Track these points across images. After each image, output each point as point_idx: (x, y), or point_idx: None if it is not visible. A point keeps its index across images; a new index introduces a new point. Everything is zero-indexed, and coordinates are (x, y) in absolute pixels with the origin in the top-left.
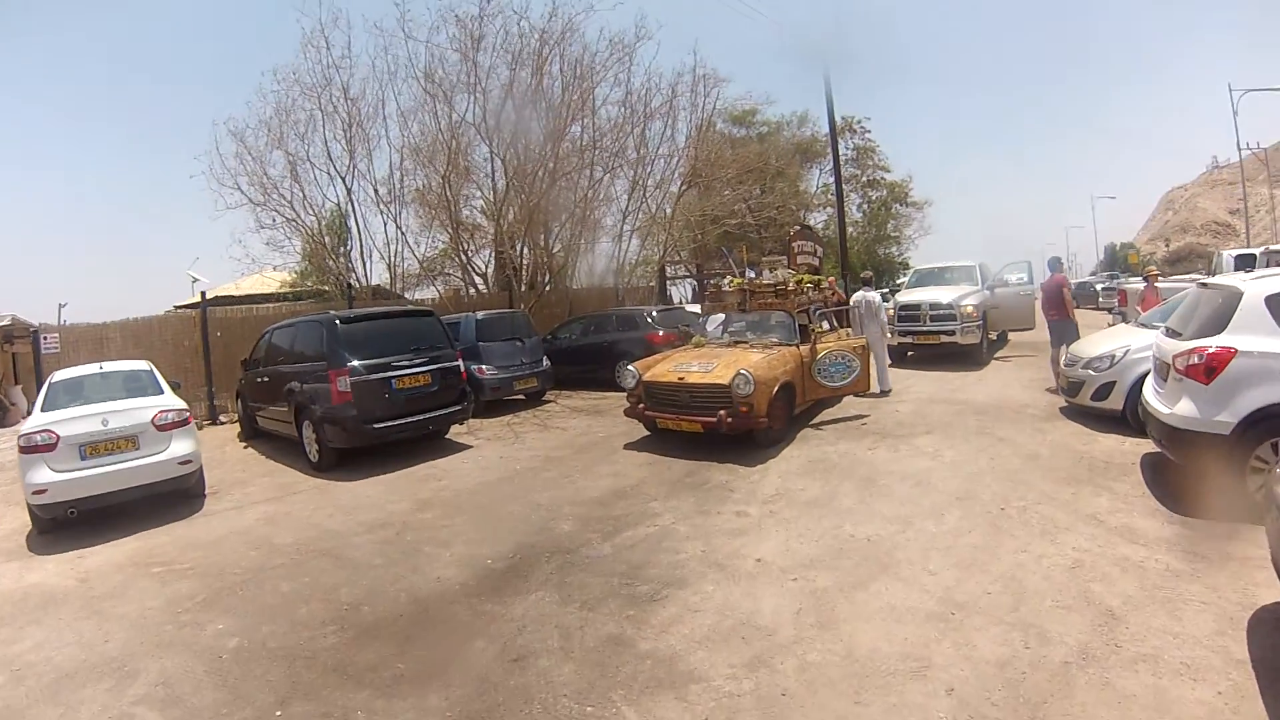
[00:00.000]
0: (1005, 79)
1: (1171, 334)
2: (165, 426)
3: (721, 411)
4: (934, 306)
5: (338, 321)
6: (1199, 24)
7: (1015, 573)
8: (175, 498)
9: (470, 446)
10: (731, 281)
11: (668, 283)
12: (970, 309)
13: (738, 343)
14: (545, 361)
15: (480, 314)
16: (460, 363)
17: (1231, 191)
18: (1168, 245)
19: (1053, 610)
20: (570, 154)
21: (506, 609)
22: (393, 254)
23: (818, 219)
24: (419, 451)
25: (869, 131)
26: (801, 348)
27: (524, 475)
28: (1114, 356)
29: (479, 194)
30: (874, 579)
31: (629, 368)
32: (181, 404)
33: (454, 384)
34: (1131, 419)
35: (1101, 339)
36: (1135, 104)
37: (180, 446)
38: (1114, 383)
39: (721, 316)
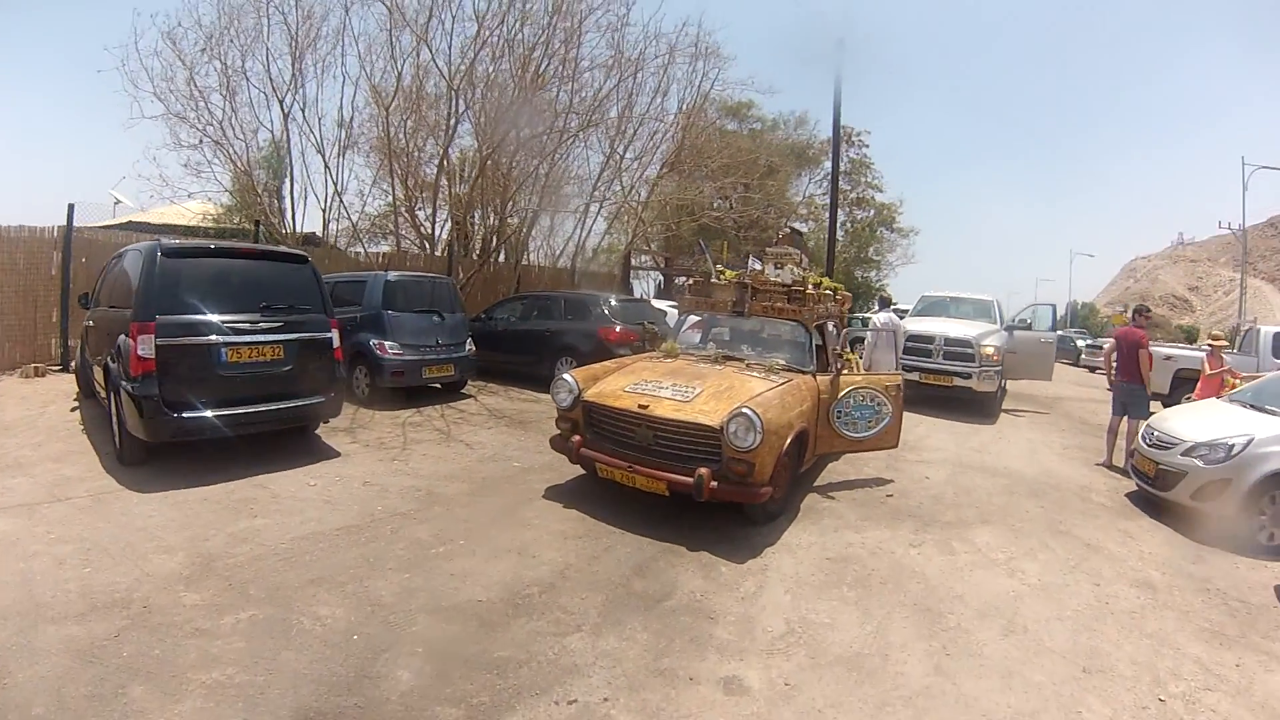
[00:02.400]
0: (1009, 123)
1: None
2: None
3: (703, 471)
4: (951, 342)
5: (159, 253)
6: (1215, 95)
7: None
8: None
9: (337, 455)
10: (723, 272)
11: (631, 273)
12: (991, 351)
13: (728, 359)
14: (469, 345)
15: (392, 274)
16: (334, 334)
17: (1193, 268)
18: (1125, 310)
19: None
20: (545, 112)
21: None
22: (329, 198)
23: (800, 230)
24: (264, 452)
25: (867, 146)
26: (819, 379)
27: (382, 527)
28: (1231, 446)
29: (438, 148)
30: None
31: (565, 377)
32: None
33: (320, 364)
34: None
35: (1199, 418)
36: (1125, 169)
37: None
38: (1229, 480)
39: (703, 318)
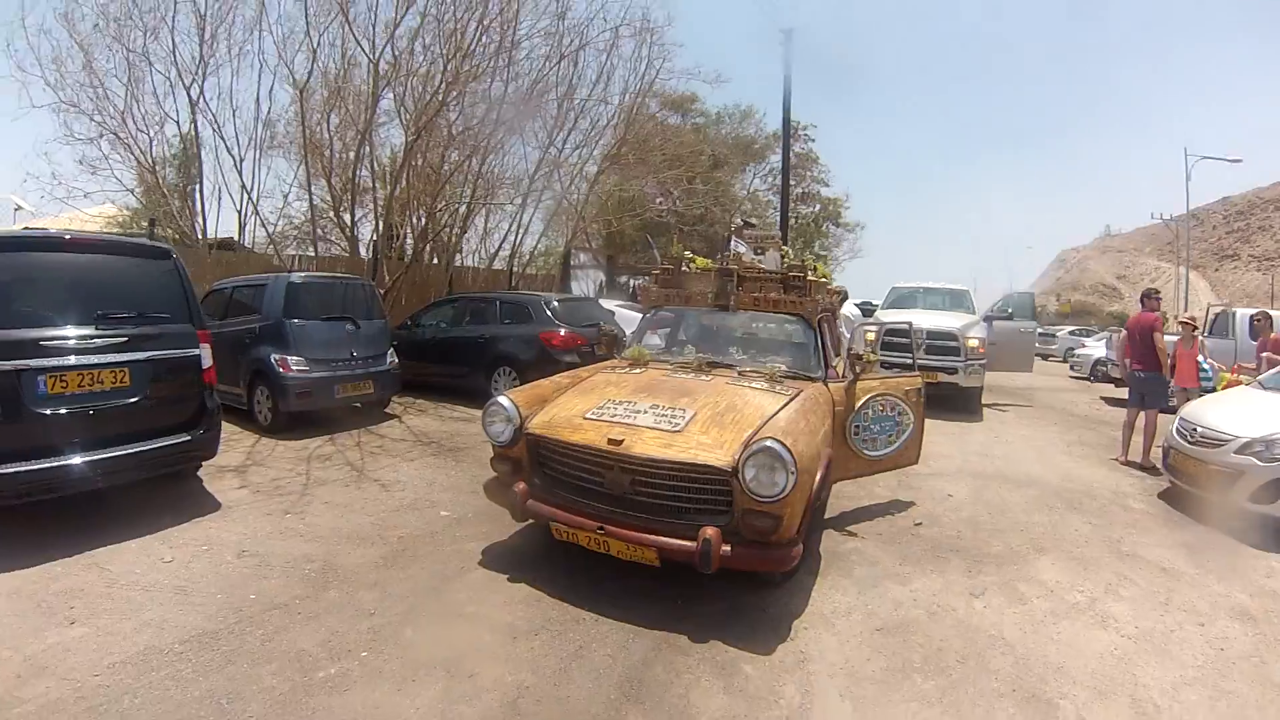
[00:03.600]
0: (950, 116)
1: None
2: None
3: (710, 532)
4: (934, 335)
5: None
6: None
7: None
8: None
9: (217, 507)
10: (692, 260)
11: (571, 273)
12: (976, 343)
13: (714, 366)
14: (390, 358)
15: (297, 276)
16: (204, 351)
17: (1119, 258)
18: (1057, 299)
19: None
20: (479, 103)
21: None
22: (243, 199)
23: (752, 223)
24: (116, 511)
25: (813, 140)
26: (831, 386)
27: (251, 634)
28: None
29: (364, 143)
30: None
31: (500, 401)
32: None
33: (184, 390)
34: None
35: (1242, 411)
36: (1054, 164)
37: None
38: None
39: (673, 316)
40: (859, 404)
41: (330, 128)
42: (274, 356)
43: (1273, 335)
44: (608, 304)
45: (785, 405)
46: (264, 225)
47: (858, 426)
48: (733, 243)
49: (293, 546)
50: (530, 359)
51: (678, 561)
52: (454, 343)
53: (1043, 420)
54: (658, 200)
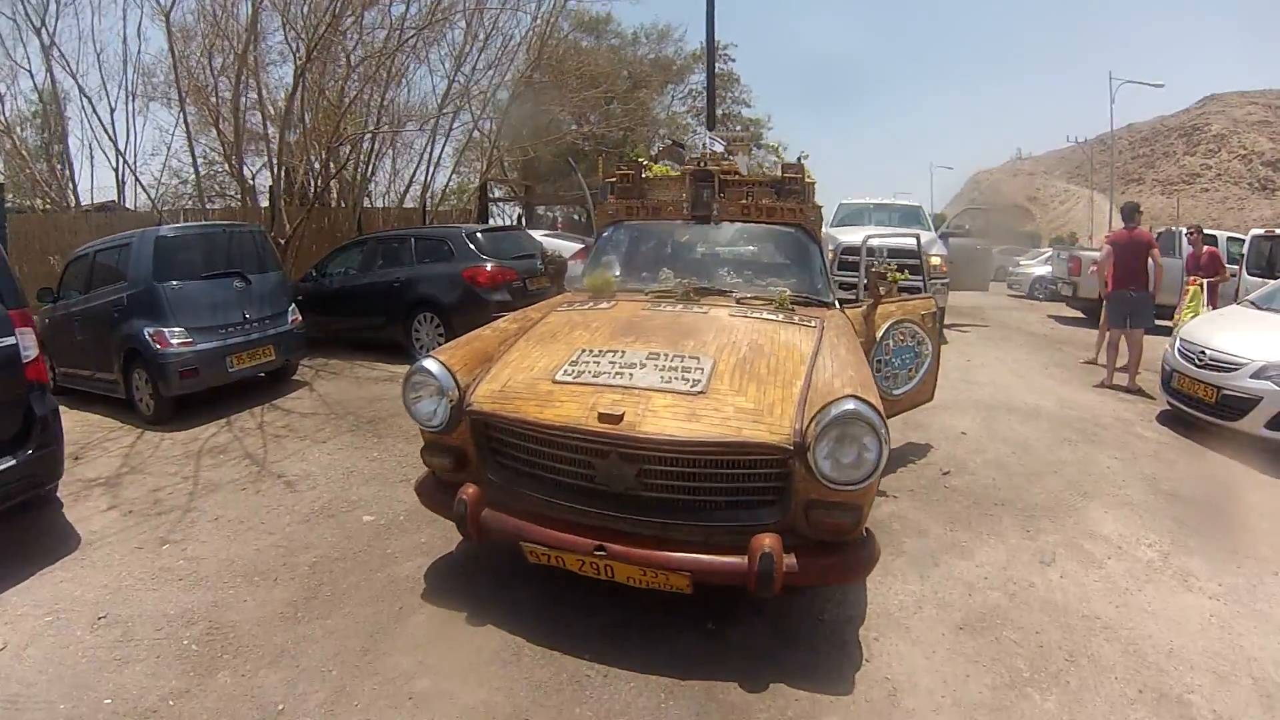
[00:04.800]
0: (871, 38)
1: None
2: None
3: (769, 541)
4: (895, 254)
5: None
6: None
7: None
8: None
9: (77, 544)
10: (649, 166)
11: (490, 207)
12: (939, 261)
13: (702, 294)
14: (292, 315)
15: (168, 228)
16: (21, 337)
17: (1030, 180)
18: (973, 218)
19: None
20: (379, 26)
21: None
22: (118, 156)
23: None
24: None
25: (734, 60)
26: (849, 313)
27: None
28: None
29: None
30: None
31: (426, 366)
32: None
33: None
34: None
35: (1251, 333)
36: (968, 88)
37: None
38: None
39: (634, 235)
40: (880, 333)
41: (214, 68)
42: (147, 331)
43: (1205, 249)
44: (534, 235)
45: (821, 342)
46: (140, 183)
47: (880, 361)
48: (708, 140)
49: (169, 599)
50: (454, 301)
51: (715, 584)
52: (365, 290)
53: (1007, 341)
54: (574, 126)
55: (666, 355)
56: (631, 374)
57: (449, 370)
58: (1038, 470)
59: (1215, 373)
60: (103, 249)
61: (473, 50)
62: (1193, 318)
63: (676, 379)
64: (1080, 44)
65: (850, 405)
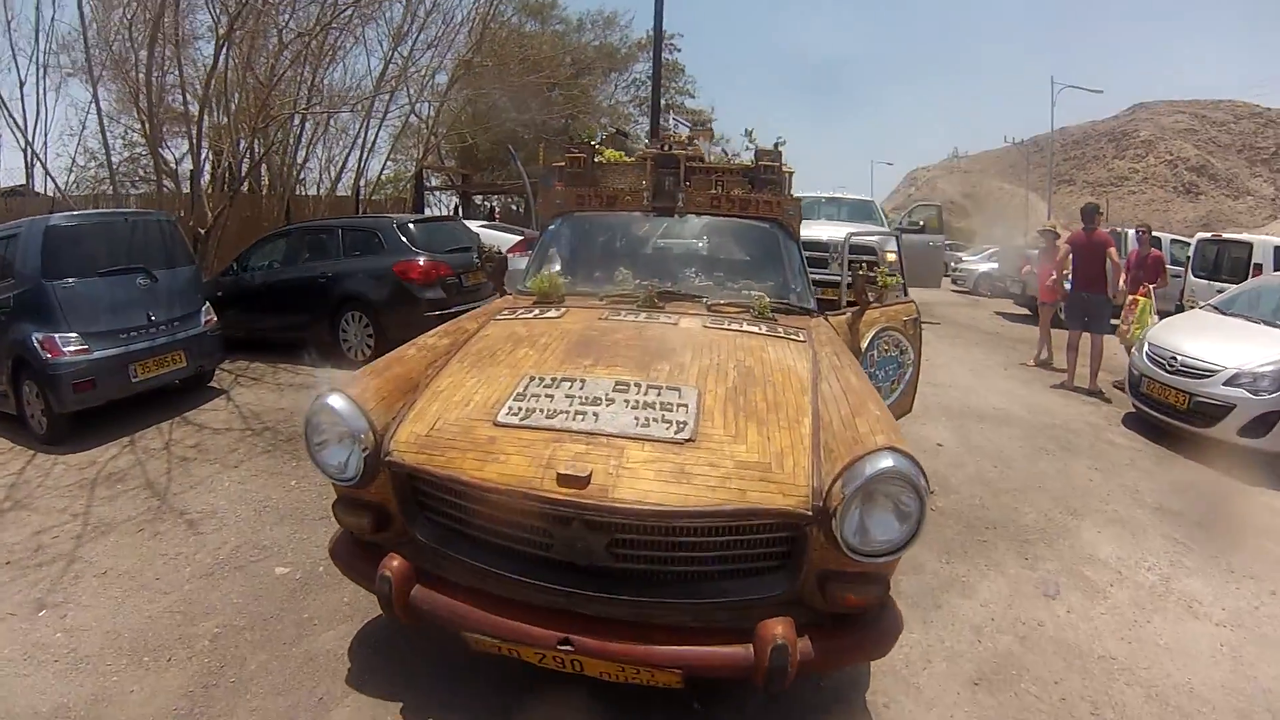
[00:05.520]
0: (815, 35)
1: None
2: None
3: (780, 629)
4: (854, 250)
5: None
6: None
7: None
8: None
9: None
10: (600, 151)
11: (425, 196)
12: (893, 257)
13: (668, 298)
14: (205, 315)
15: (59, 217)
16: None
17: (966, 178)
18: (909, 217)
19: None
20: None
21: None
22: (28, 136)
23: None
24: None
25: (679, 50)
26: (831, 320)
27: None
28: None
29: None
30: None
31: (330, 403)
32: None
33: None
34: None
35: (1219, 339)
36: (907, 87)
37: None
38: None
39: (581, 228)
40: (865, 342)
41: (136, 41)
42: (36, 336)
43: (1151, 251)
44: (471, 226)
45: (819, 362)
46: (45, 168)
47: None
48: (671, 120)
49: (42, 689)
50: (384, 298)
51: (711, 678)
52: (289, 286)
53: (960, 340)
54: (514, 113)
55: (639, 386)
56: (596, 414)
57: (360, 408)
58: (1022, 486)
59: (1187, 379)
60: None
61: (412, 29)
62: (1141, 331)
63: (655, 421)
64: (1018, 48)
65: (888, 462)
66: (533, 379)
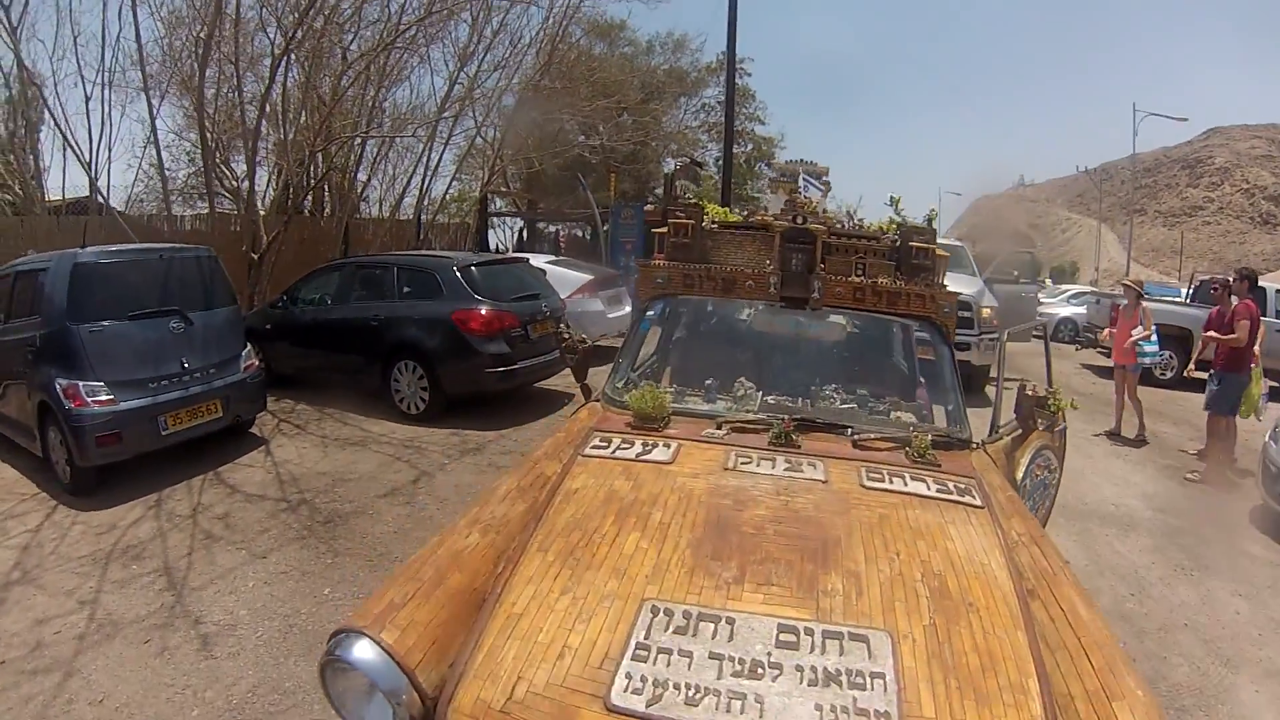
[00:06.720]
0: (886, 60)
1: None
2: None
3: None
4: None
5: None
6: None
7: None
8: None
9: None
10: (702, 204)
11: (490, 221)
12: (989, 313)
13: (804, 429)
14: (245, 360)
15: (89, 252)
16: None
17: (1032, 208)
18: (975, 246)
19: None
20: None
21: None
22: (94, 150)
23: (700, 163)
24: None
25: (750, 75)
26: (989, 450)
27: None
28: None
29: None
30: None
31: (356, 654)
32: None
33: None
34: None
35: None
36: (977, 115)
37: None
38: None
39: (682, 313)
40: (1021, 472)
41: (197, 58)
42: (60, 383)
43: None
44: (538, 262)
45: (1009, 551)
46: (95, 186)
47: None
48: (807, 184)
49: None
50: (441, 349)
51: None
52: (340, 326)
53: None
54: (582, 137)
55: (809, 634)
56: (760, 699)
57: (396, 660)
58: (1165, 623)
59: None
60: (25, 270)
61: (479, 49)
62: (1248, 405)
63: (839, 700)
64: (1088, 73)
65: None
66: (656, 611)
